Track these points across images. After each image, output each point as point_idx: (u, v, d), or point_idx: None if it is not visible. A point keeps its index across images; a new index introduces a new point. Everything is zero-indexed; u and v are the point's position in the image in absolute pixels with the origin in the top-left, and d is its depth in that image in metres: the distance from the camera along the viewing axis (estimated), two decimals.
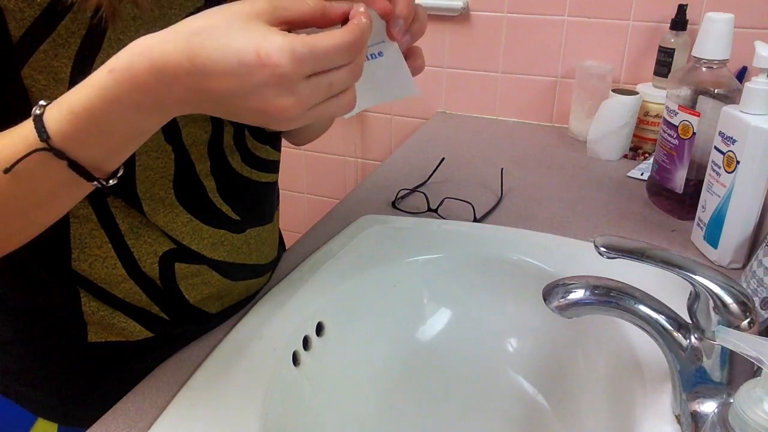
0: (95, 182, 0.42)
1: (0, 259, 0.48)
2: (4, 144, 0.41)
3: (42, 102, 0.40)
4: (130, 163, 0.50)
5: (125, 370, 0.58)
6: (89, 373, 0.59)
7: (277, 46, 0.36)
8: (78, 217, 0.51)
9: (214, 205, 0.57)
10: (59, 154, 0.40)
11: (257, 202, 0.62)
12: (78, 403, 0.60)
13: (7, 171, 0.40)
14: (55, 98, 0.42)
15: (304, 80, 0.38)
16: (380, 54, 0.47)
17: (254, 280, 0.64)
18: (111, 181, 0.43)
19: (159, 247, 0.55)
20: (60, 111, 0.40)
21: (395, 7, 0.44)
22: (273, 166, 0.64)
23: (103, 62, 0.41)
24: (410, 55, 0.48)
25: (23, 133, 0.40)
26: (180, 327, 0.59)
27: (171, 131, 0.51)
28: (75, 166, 0.41)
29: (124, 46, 0.40)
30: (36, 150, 0.40)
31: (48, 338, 0.58)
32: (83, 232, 0.51)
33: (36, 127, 0.40)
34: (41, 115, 0.40)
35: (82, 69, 0.44)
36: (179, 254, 0.56)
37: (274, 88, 0.37)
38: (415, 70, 0.49)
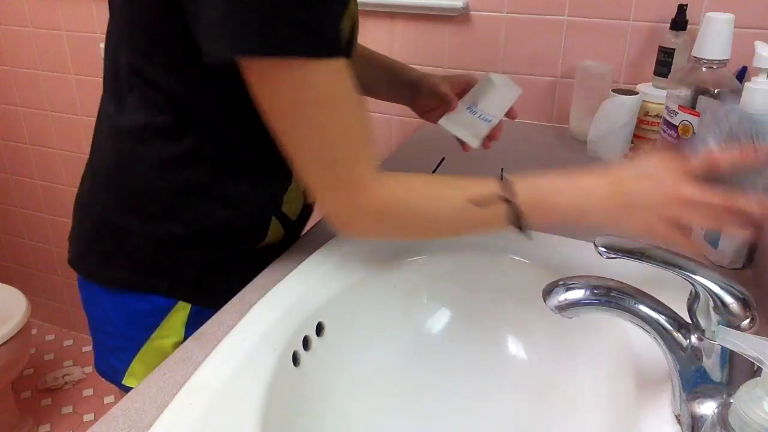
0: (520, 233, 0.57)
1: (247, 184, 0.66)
2: (470, 182, 0.57)
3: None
4: None
5: (259, 264, 0.70)
6: (235, 270, 0.69)
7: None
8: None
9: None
10: (518, 212, 0.56)
11: None
12: (215, 292, 0.67)
13: (479, 204, 0.56)
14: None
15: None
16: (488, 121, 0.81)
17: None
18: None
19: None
20: (527, 183, 0.57)
21: None
22: None
23: None
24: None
25: (489, 183, 0.57)
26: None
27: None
28: (518, 225, 0.57)
29: None
30: (507, 200, 0.55)
31: (228, 245, 0.70)
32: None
33: (503, 184, 0.56)
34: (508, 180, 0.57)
35: None
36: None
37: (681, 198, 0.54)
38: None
